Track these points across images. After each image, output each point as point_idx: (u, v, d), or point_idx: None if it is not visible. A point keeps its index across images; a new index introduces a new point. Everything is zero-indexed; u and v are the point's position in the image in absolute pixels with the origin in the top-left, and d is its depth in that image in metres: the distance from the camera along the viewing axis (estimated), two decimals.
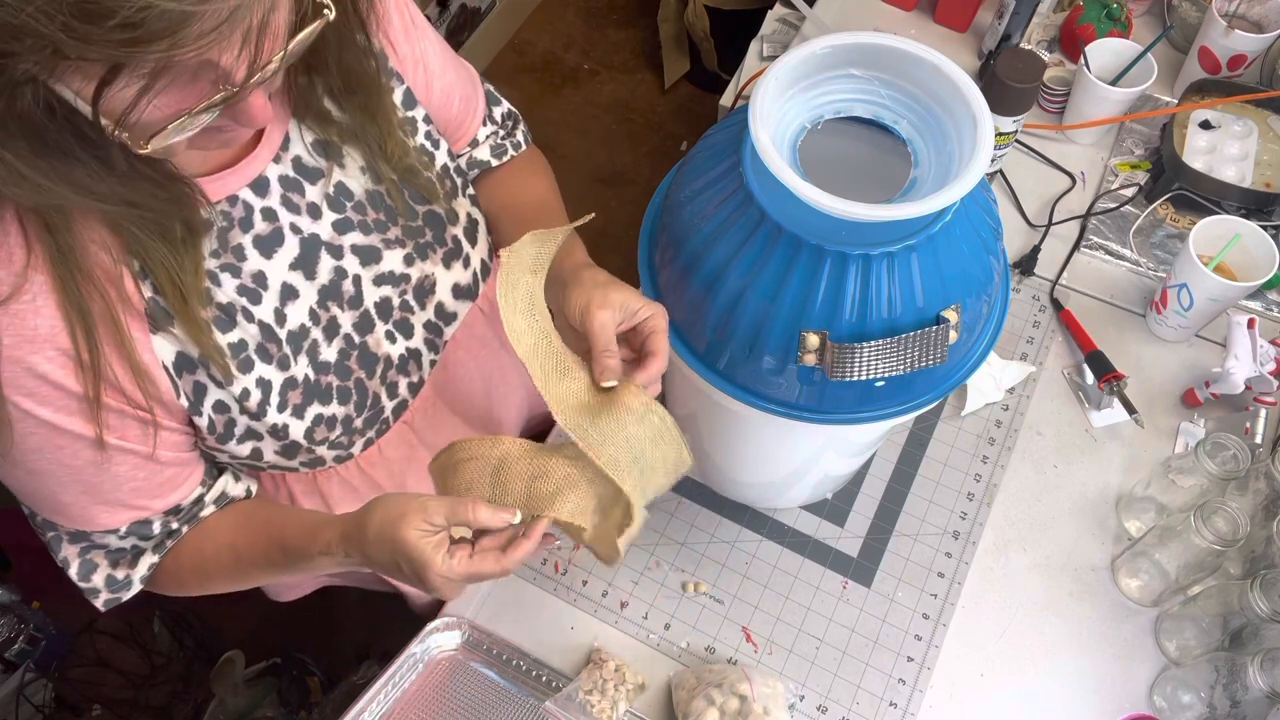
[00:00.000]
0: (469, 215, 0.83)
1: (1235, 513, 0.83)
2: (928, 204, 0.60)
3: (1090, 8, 1.27)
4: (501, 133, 0.93)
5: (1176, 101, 1.22)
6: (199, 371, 0.67)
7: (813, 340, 0.66)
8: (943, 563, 0.97)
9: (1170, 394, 1.06)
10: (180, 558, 0.75)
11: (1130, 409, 1.02)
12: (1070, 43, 1.31)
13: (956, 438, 1.04)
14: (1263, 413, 1.01)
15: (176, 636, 1.73)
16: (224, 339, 0.67)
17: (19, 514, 0.71)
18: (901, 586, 0.96)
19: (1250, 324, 0.99)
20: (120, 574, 0.73)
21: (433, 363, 0.83)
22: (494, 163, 0.92)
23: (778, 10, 1.43)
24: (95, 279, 0.59)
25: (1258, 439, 1.00)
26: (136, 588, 0.74)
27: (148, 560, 0.73)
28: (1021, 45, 1.28)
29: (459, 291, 0.83)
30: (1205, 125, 1.20)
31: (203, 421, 0.68)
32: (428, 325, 0.81)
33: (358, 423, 0.77)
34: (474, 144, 0.90)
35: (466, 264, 0.83)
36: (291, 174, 0.70)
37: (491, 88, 0.92)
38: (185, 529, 0.74)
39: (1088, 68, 1.18)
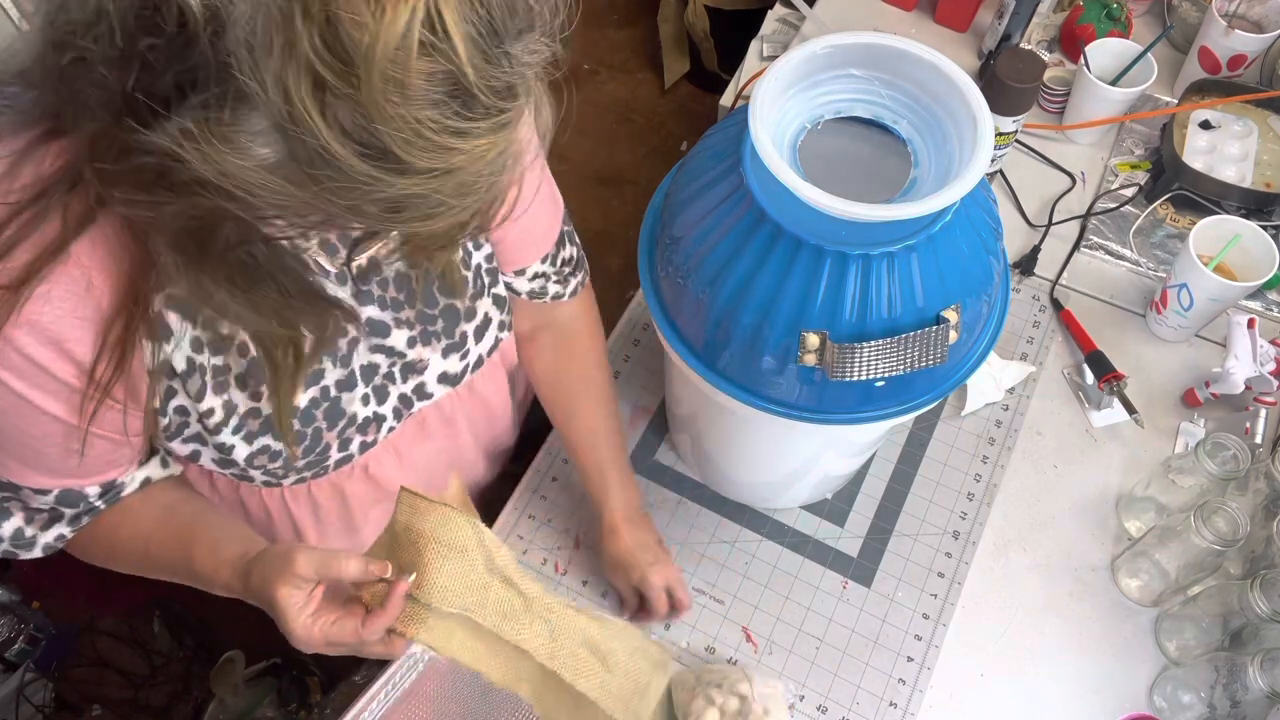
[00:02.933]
0: (485, 315, 0.83)
1: (1235, 513, 0.83)
2: (928, 204, 0.60)
3: (1090, 8, 1.27)
4: (554, 276, 0.90)
5: (1176, 101, 1.22)
6: (175, 380, 0.67)
7: (813, 340, 0.66)
8: (943, 563, 0.97)
9: (1170, 394, 1.06)
10: (95, 532, 0.75)
11: (1130, 409, 1.02)
12: (1070, 43, 1.31)
13: (956, 438, 1.04)
14: (1263, 413, 1.01)
15: (176, 636, 1.73)
16: (212, 360, 0.67)
17: None
18: (901, 586, 0.96)
19: (1250, 324, 0.99)
20: (30, 531, 0.73)
21: (391, 429, 0.83)
22: (525, 299, 0.90)
23: (778, 10, 1.43)
24: (145, 307, 0.61)
25: (1258, 439, 1.01)
26: (38, 553, 0.74)
27: (57, 530, 0.73)
28: (1021, 45, 1.28)
29: (444, 378, 0.83)
30: (1205, 125, 1.20)
31: (164, 421, 0.69)
32: (402, 398, 0.81)
33: (299, 463, 0.77)
34: (519, 273, 0.87)
35: (464, 357, 0.83)
36: (332, 239, 0.69)
37: (571, 229, 0.90)
38: (104, 506, 0.74)
39: (1088, 68, 1.18)
